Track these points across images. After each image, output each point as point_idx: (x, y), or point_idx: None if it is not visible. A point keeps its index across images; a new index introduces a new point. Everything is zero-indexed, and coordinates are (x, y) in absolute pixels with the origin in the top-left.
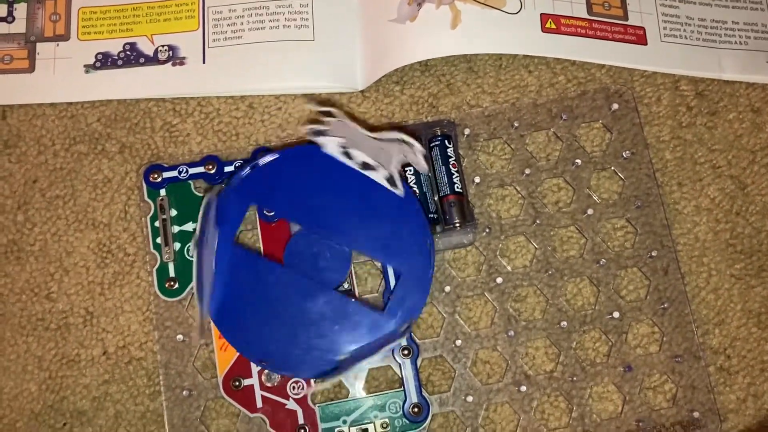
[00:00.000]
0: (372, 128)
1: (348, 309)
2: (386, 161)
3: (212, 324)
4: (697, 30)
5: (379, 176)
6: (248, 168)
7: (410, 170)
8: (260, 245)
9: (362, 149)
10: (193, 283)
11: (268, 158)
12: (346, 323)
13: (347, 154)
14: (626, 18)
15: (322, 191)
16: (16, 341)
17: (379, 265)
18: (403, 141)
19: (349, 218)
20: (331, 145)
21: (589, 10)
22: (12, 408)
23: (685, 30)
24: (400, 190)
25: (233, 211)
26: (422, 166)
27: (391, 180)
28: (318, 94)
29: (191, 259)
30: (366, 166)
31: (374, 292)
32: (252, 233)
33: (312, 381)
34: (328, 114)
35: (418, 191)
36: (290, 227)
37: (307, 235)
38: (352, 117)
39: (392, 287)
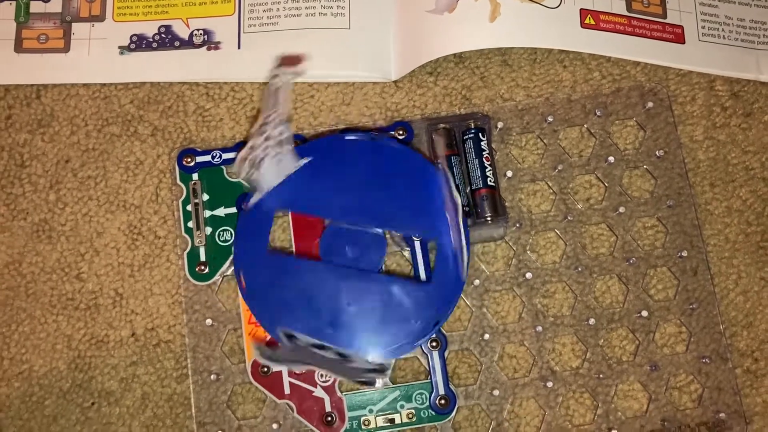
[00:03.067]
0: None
1: (394, 288)
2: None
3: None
4: (735, 30)
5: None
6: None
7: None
8: (293, 248)
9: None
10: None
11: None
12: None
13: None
14: (665, 16)
15: (343, 179)
16: (46, 320)
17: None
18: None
19: (375, 199)
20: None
21: (629, 7)
22: (41, 386)
23: (723, 30)
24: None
25: (262, 219)
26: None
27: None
28: None
29: (223, 244)
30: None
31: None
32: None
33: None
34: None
35: None
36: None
37: (338, 227)
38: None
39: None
